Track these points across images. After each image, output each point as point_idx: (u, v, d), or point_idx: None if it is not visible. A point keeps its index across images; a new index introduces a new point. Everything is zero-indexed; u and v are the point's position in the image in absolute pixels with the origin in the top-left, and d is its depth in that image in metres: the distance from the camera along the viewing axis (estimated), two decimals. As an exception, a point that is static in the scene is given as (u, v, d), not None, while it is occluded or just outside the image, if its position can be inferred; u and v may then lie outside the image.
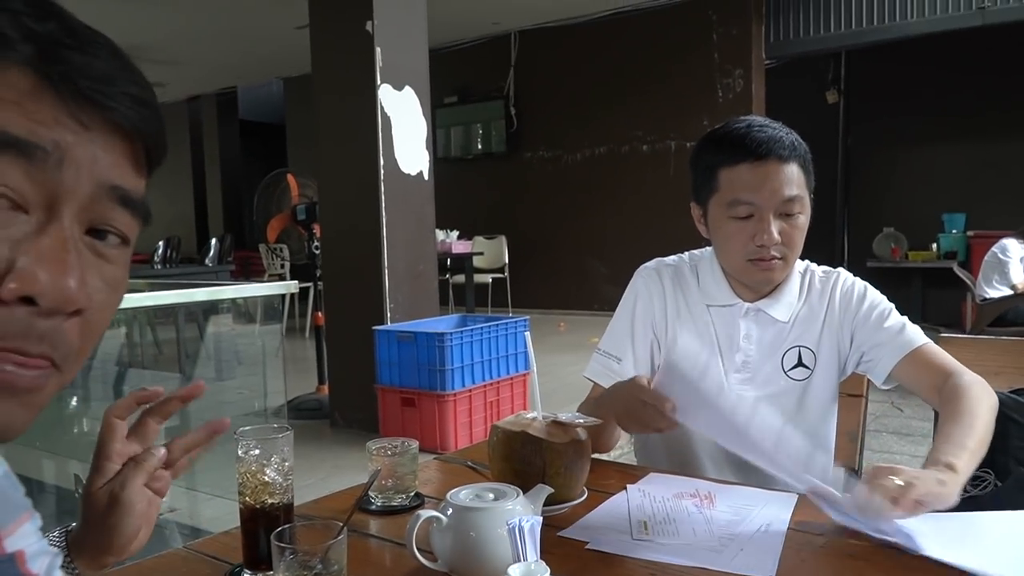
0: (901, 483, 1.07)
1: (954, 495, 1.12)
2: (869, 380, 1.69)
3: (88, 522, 0.87)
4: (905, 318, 1.54)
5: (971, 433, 1.26)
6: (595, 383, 1.65)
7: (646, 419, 1.24)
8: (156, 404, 0.92)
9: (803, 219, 1.49)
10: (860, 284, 1.59)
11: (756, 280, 1.54)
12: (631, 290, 1.68)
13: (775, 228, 1.45)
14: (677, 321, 1.62)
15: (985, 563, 0.99)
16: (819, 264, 1.66)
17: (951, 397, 1.36)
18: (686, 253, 1.70)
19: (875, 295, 1.58)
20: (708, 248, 1.65)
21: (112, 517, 0.85)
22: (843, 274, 1.62)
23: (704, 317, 1.60)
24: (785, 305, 1.57)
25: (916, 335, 1.50)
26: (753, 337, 1.57)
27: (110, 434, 0.89)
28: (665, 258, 1.70)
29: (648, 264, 1.70)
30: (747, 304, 1.57)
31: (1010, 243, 5.76)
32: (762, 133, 1.45)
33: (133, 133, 0.57)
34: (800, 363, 1.57)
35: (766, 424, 1.17)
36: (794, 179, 1.46)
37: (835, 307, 1.57)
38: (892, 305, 1.57)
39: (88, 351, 0.58)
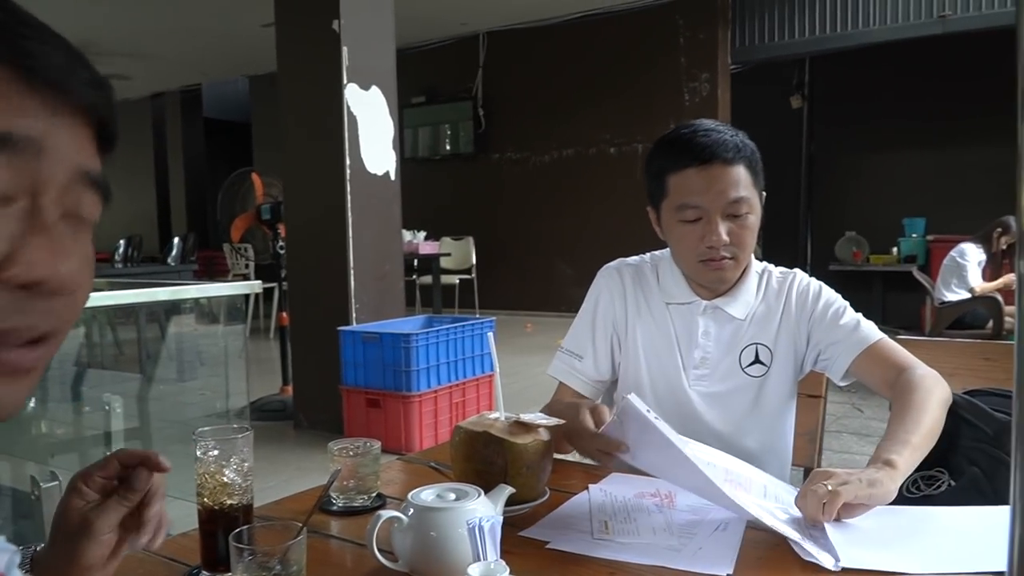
0: (830, 488, 1.10)
1: (890, 492, 1.15)
2: (828, 380, 1.72)
3: (55, 541, 0.86)
4: (859, 315, 1.57)
5: (916, 428, 1.28)
6: (560, 381, 1.69)
7: (593, 455, 1.31)
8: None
9: (752, 219, 1.51)
10: (816, 284, 1.63)
11: (709, 280, 1.57)
12: (593, 289, 1.71)
13: (723, 229, 1.47)
14: (637, 319, 1.65)
15: (915, 561, 1.01)
16: (781, 267, 1.69)
17: (902, 392, 1.39)
18: (648, 253, 1.73)
19: (830, 294, 1.61)
20: (668, 248, 1.67)
21: (79, 542, 0.83)
22: (799, 274, 1.65)
23: (664, 315, 1.63)
24: (742, 303, 1.60)
25: (871, 331, 1.53)
26: (711, 334, 1.60)
27: (103, 464, 0.88)
28: (627, 258, 1.73)
29: (610, 264, 1.73)
30: (705, 302, 1.60)
31: (968, 247, 5.87)
32: (707, 137, 1.48)
33: (94, 116, 0.59)
34: (757, 360, 1.59)
35: (720, 467, 1.21)
36: (740, 180, 1.48)
37: (792, 306, 1.60)
38: (847, 303, 1.60)
39: (69, 329, 0.61)
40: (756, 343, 1.60)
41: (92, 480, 0.86)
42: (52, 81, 0.54)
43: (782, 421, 1.65)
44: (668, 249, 1.67)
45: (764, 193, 1.57)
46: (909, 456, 1.23)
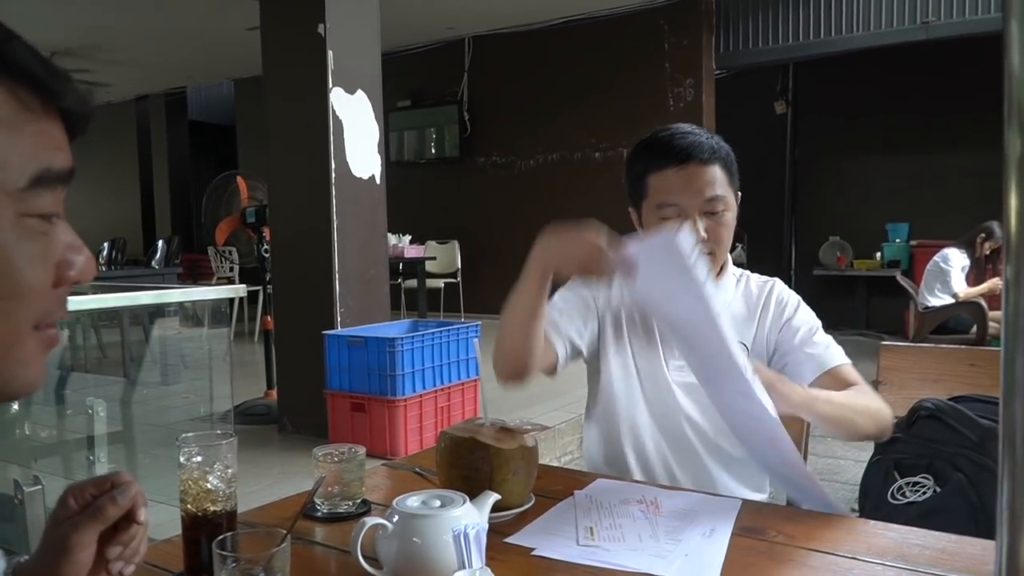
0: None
1: (787, 389, 1.28)
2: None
3: (40, 553, 0.84)
4: (831, 337, 1.62)
5: (839, 396, 1.41)
6: None
7: (591, 264, 1.28)
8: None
9: (729, 216, 1.57)
10: (795, 298, 1.67)
11: None
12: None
13: (701, 226, 1.53)
14: (622, 310, 1.67)
15: None
16: (765, 271, 1.72)
17: (848, 391, 1.48)
18: None
19: (807, 311, 1.65)
20: None
21: (57, 557, 0.81)
22: (779, 284, 1.69)
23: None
24: (720, 301, 1.61)
25: (839, 355, 1.58)
26: None
27: (98, 482, 0.86)
28: None
29: None
30: None
31: (952, 253, 5.90)
32: (684, 139, 1.55)
33: (73, 120, 0.65)
34: None
35: (716, 335, 1.23)
36: (717, 180, 1.55)
37: (769, 312, 1.64)
38: (820, 323, 1.65)
39: None
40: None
41: (82, 495, 0.85)
42: (70, 110, 0.63)
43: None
44: None
45: (740, 193, 1.62)
46: (821, 397, 1.37)
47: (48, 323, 0.64)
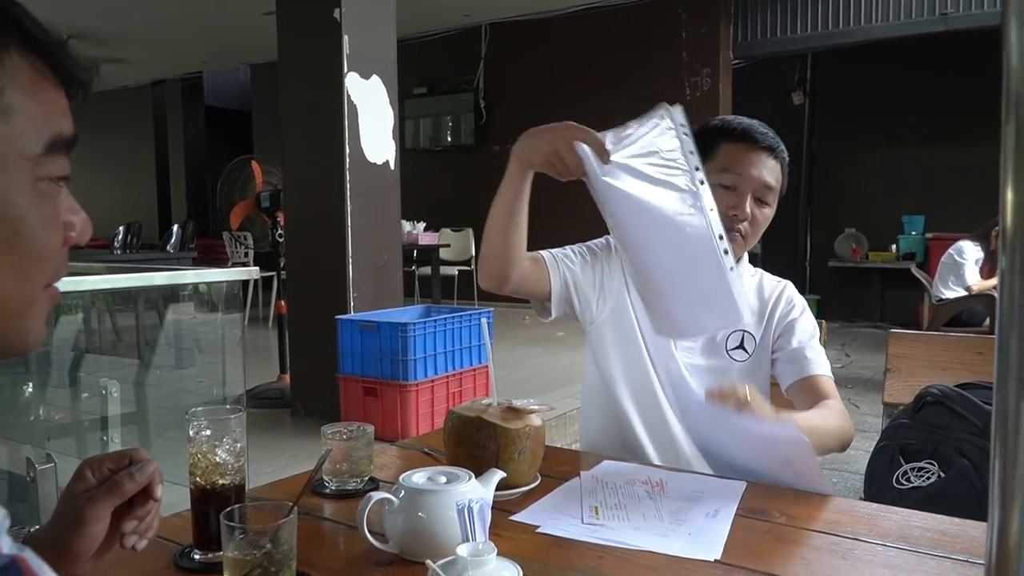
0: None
1: (759, 406, 1.28)
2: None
3: (53, 524, 0.86)
4: (822, 349, 1.70)
5: (808, 417, 1.46)
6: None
7: (568, 153, 1.39)
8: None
9: (769, 212, 1.66)
10: (802, 302, 1.73)
11: None
12: (598, 240, 1.75)
13: (748, 206, 1.62)
14: (631, 286, 1.67)
15: None
16: (780, 263, 1.74)
17: (817, 405, 1.55)
18: None
19: (810, 317, 1.72)
20: None
21: (71, 529, 0.83)
22: (791, 287, 1.77)
23: None
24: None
25: (822, 366, 1.65)
26: None
27: (117, 456, 0.88)
28: None
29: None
30: None
31: (966, 245, 5.87)
32: (765, 130, 1.67)
33: (76, 92, 0.67)
34: (741, 346, 1.68)
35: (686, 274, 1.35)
36: (776, 173, 1.66)
37: (778, 311, 1.71)
38: (818, 333, 1.72)
39: None
40: (742, 330, 1.67)
41: (100, 469, 0.87)
42: (78, 80, 0.65)
43: None
44: None
45: (781, 198, 1.70)
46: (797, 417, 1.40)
47: (54, 282, 0.67)
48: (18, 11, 0.60)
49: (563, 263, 1.64)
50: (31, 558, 0.50)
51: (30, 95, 0.60)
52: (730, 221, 1.60)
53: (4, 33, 0.58)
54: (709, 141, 1.65)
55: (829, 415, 1.52)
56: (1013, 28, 0.61)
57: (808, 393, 1.61)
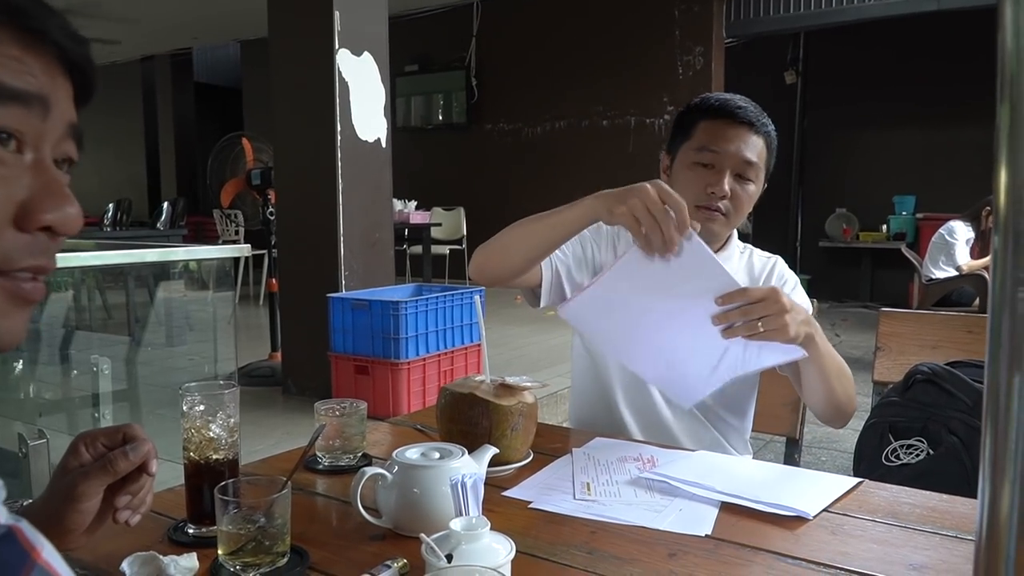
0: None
1: (791, 322, 1.26)
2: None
3: (46, 499, 0.86)
4: (819, 325, 1.62)
5: (835, 352, 1.42)
6: None
7: (653, 224, 1.21)
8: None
9: (753, 188, 1.60)
10: (793, 278, 1.70)
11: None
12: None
13: (727, 183, 1.56)
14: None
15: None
16: (771, 242, 1.73)
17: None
18: None
19: (802, 293, 1.68)
20: None
21: (64, 503, 0.83)
22: (781, 262, 1.74)
23: None
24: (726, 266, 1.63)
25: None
26: None
27: (110, 432, 0.88)
28: None
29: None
30: None
31: (957, 225, 5.89)
32: (746, 104, 1.61)
33: (77, 71, 0.63)
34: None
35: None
36: (757, 149, 1.59)
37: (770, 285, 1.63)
38: (811, 308, 1.64)
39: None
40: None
41: (94, 444, 0.87)
42: (51, 41, 0.59)
43: (747, 386, 1.68)
44: None
45: (767, 179, 1.65)
46: (822, 340, 1.36)
47: (12, 270, 0.59)
48: None
49: (555, 255, 1.60)
50: (27, 528, 0.50)
51: None
52: (708, 199, 1.57)
53: None
54: (688, 120, 1.64)
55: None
56: (1008, 7, 0.61)
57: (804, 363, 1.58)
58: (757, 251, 1.74)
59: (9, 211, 0.58)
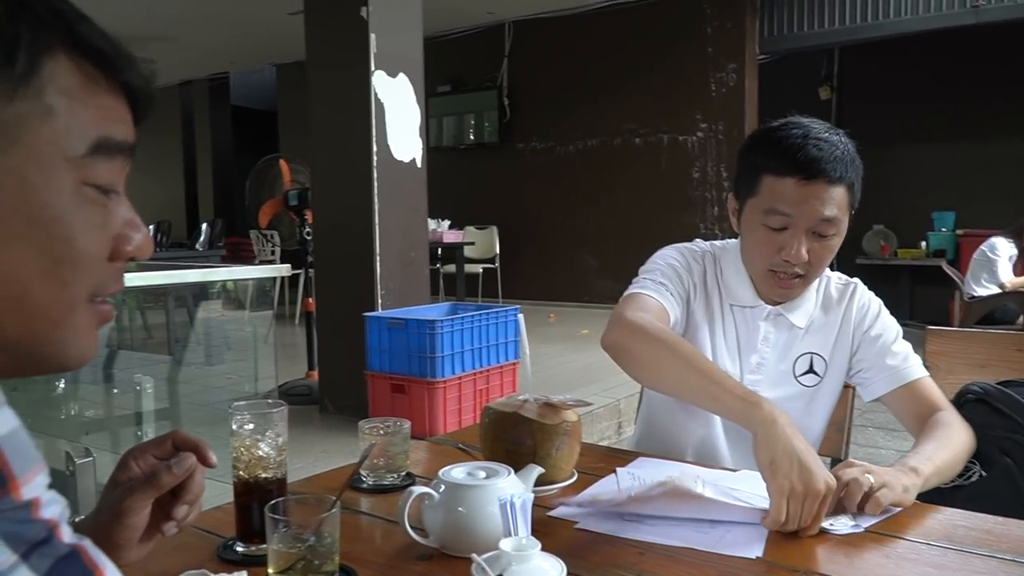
0: (873, 485, 1.13)
1: (910, 501, 1.18)
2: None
3: (96, 513, 0.87)
4: (909, 347, 1.55)
5: (941, 453, 1.31)
6: (648, 295, 1.51)
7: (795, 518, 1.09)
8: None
9: (836, 241, 1.46)
10: (876, 303, 1.60)
11: (771, 292, 1.54)
12: (676, 252, 1.62)
13: (805, 246, 1.42)
14: (706, 311, 1.59)
15: None
16: (838, 272, 1.65)
17: (935, 424, 1.40)
18: (708, 243, 1.66)
19: (888, 317, 1.59)
20: (732, 242, 1.63)
21: (113, 519, 0.84)
22: (860, 287, 1.62)
23: (727, 315, 1.59)
24: (803, 312, 1.57)
25: (917, 367, 1.52)
26: (771, 340, 1.57)
27: (159, 442, 0.89)
28: (697, 244, 1.65)
29: (691, 245, 1.65)
30: (768, 307, 1.56)
31: (999, 242, 5.80)
32: (818, 149, 1.40)
33: (144, 104, 0.68)
34: (811, 370, 1.58)
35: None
36: (836, 200, 1.42)
37: (851, 319, 1.58)
38: (901, 330, 1.58)
39: None
40: (811, 352, 1.57)
41: (143, 458, 0.88)
42: (132, 87, 0.65)
43: (824, 428, 1.64)
44: (730, 242, 1.63)
45: (854, 211, 1.50)
46: (932, 472, 1.25)
47: (102, 296, 0.65)
48: (69, 13, 0.60)
49: (676, 286, 1.52)
50: (90, 548, 0.51)
51: (77, 98, 0.59)
52: (782, 266, 1.45)
53: (49, 33, 0.57)
54: (750, 167, 1.47)
55: (950, 436, 1.36)
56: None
57: (913, 402, 1.48)
58: (835, 276, 1.62)
59: (108, 248, 0.64)
